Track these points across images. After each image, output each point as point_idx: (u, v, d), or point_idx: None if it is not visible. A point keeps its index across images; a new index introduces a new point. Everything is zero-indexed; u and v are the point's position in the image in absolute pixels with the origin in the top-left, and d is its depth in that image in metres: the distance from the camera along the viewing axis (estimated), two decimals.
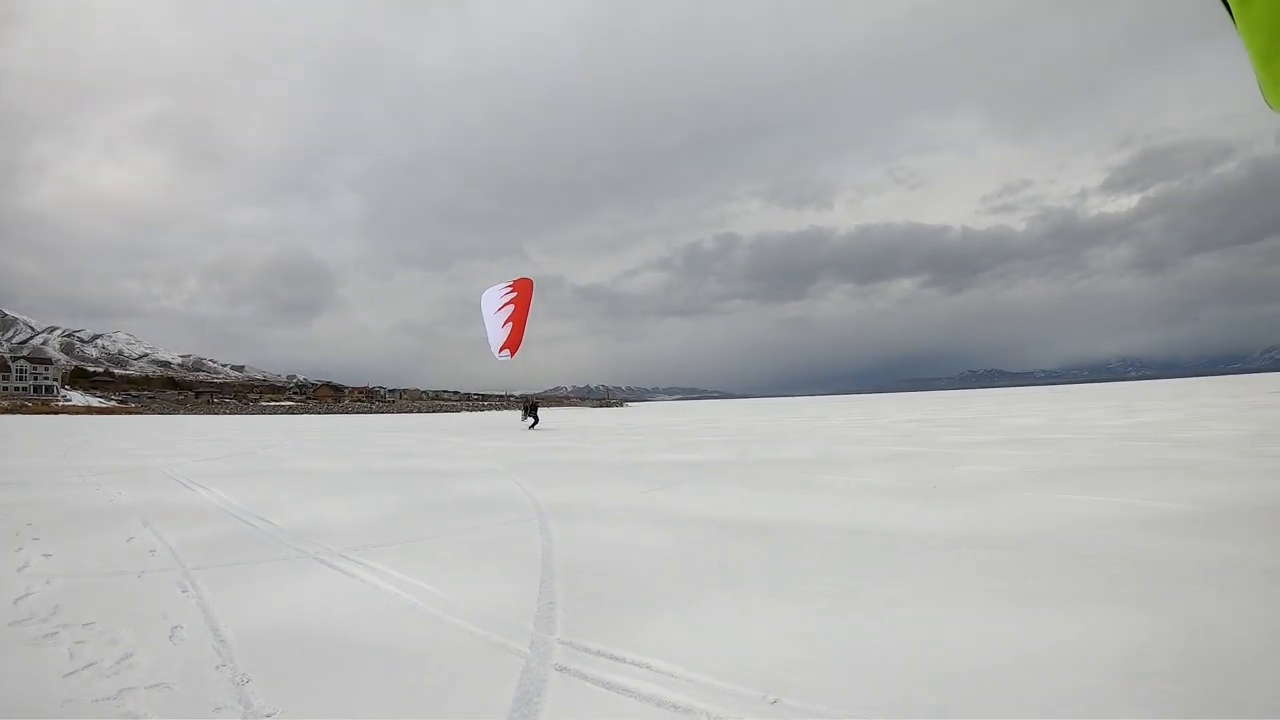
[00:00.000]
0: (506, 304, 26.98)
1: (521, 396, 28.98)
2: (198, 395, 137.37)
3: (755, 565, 4.61)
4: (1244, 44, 1.37)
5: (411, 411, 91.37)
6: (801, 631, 3.32)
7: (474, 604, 3.89)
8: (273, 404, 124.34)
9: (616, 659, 3.04)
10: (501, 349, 26.72)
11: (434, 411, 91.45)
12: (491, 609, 3.79)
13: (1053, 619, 3.34)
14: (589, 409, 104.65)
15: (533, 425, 28.46)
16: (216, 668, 3.04)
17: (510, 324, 26.54)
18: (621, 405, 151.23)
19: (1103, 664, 2.81)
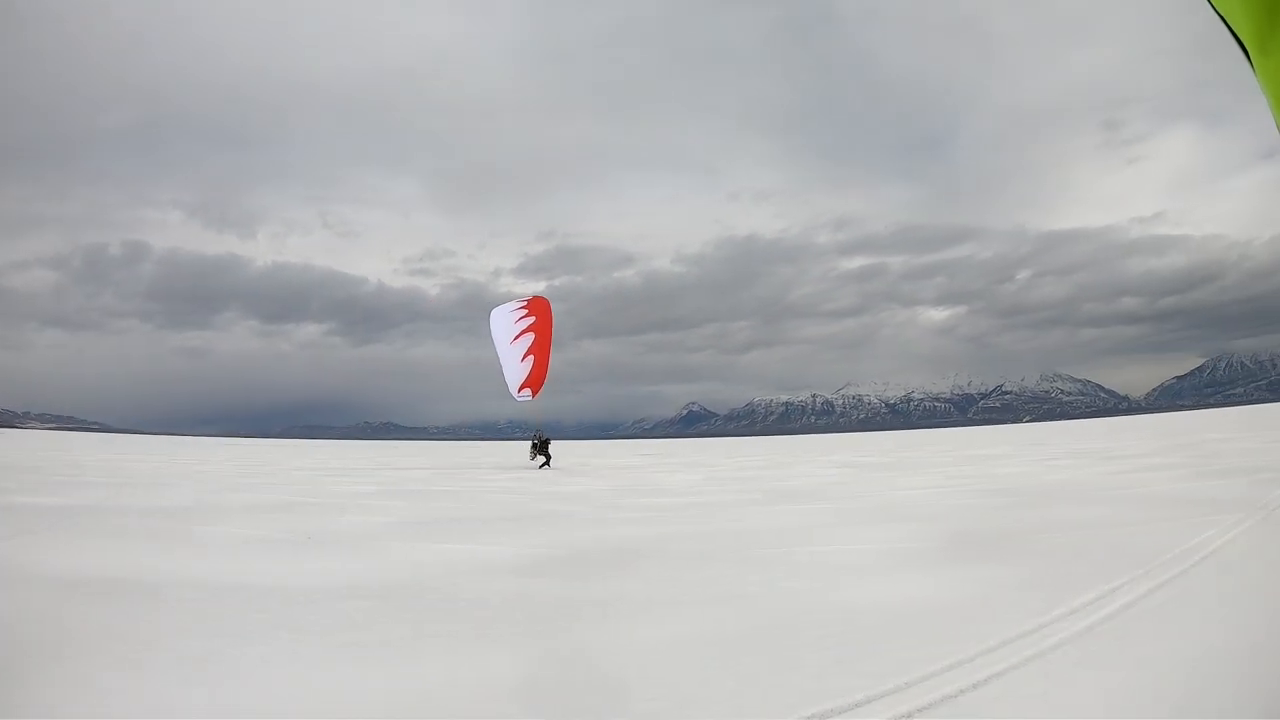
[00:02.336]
0: (524, 331, 23.00)
1: (535, 432, 24.31)
2: None
3: (102, 632, 4.02)
4: (1262, 90, 1.41)
5: None
6: (148, 705, 3.02)
7: None
8: None
9: None
10: (521, 388, 22.74)
11: None
12: None
13: (419, 664, 3.62)
14: None
15: (544, 465, 23.59)
16: None
17: (531, 357, 22.65)
18: None
19: (480, 696, 3.18)
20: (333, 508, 11.28)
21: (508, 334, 23.81)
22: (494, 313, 24.65)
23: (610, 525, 9.16)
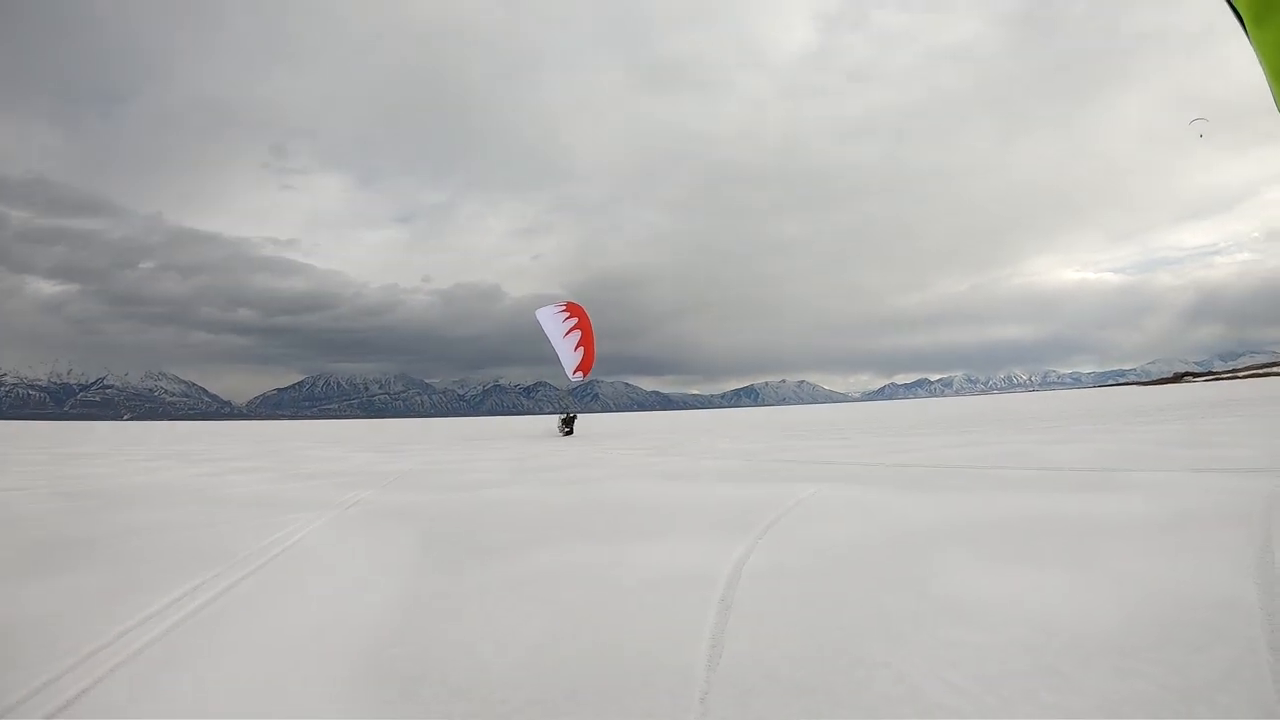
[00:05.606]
0: (573, 329, 30.33)
1: (567, 409, 32.46)
2: None
3: None
4: (1258, 61, 1.45)
5: None
6: None
7: None
8: None
9: None
10: (576, 371, 29.95)
11: None
12: None
13: None
14: None
15: (567, 433, 30.74)
16: None
17: (582, 348, 30.11)
18: None
19: None
20: None
21: (559, 330, 30.24)
22: (540, 313, 31.07)
23: None
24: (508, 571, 4.63)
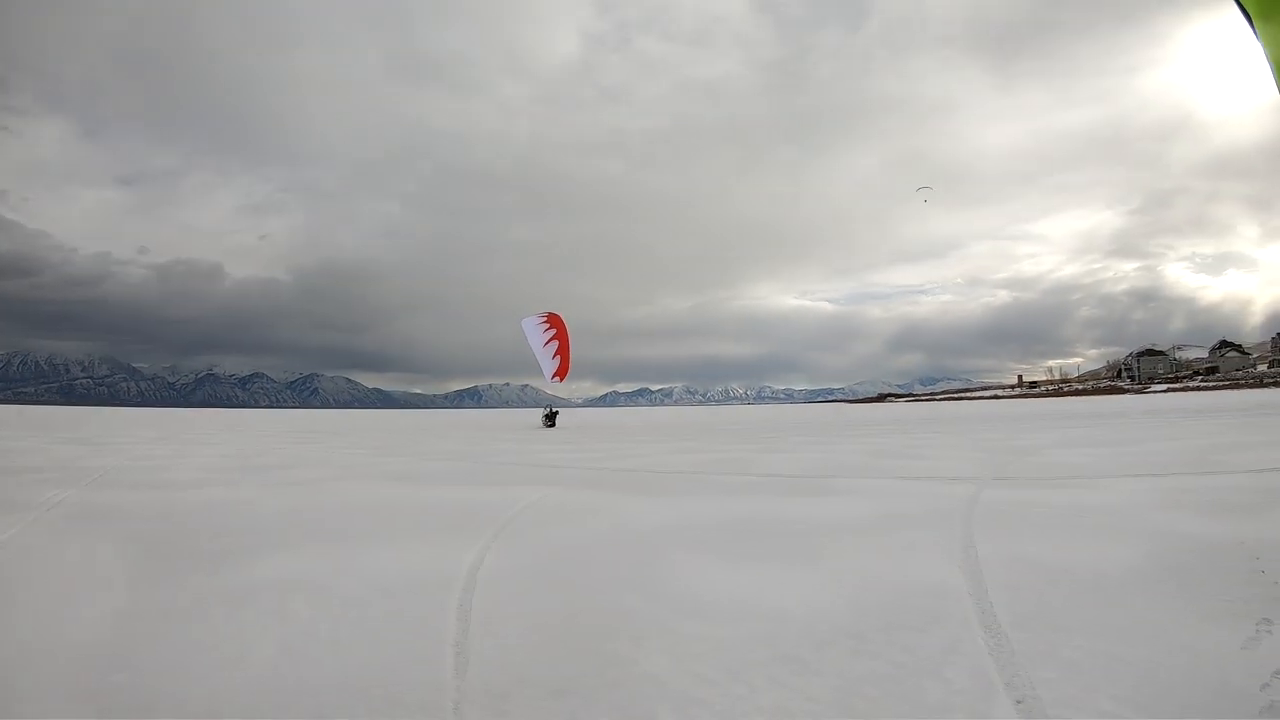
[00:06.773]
0: (551, 339, 33.24)
1: (549, 405, 35.97)
2: None
3: None
4: (1264, 54, 1.55)
5: None
6: None
7: None
8: None
9: None
10: (554, 376, 33.22)
11: None
12: None
13: None
14: None
15: (550, 425, 33.26)
16: None
17: (559, 356, 33.19)
18: None
19: None
20: None
21: (540, 339, 33.45)
22: (524, 322, 34.36)
23: None
24: (232, 580, 4.20)
